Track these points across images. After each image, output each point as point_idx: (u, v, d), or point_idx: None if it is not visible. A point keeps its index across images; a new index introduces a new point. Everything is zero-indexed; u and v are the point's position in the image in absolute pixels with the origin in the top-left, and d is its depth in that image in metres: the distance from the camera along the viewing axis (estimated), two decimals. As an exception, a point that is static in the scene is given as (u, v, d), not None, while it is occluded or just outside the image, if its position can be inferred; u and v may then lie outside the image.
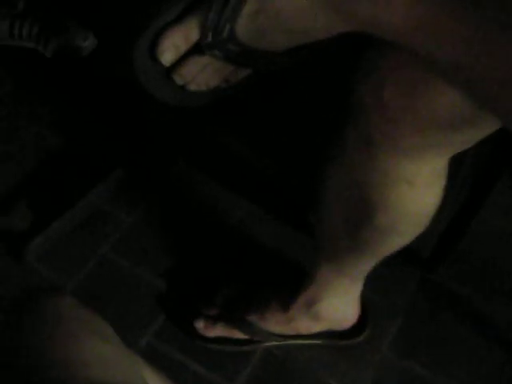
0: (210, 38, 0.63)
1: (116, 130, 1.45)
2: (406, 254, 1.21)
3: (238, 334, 1.21)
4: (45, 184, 1.38)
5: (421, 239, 0.99)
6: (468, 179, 1.28)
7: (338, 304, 1.16)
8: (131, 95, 1.20)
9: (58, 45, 1.20)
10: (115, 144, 1.44)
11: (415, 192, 0.88)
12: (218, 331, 1.21)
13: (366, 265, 1.07)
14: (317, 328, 1.20)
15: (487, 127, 0.79)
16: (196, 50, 0.64)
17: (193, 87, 0.69)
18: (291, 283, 1.19)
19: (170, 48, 0.64)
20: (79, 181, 1.38)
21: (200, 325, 1.21)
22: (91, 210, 1.37)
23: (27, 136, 1.46)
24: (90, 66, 1.32)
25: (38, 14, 1.21)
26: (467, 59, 0.50)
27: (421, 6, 0.51)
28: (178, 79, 0.68)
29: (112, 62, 1.13)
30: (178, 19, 0.64)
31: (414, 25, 0.52)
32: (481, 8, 0.49)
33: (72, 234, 1.34)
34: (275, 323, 1.19)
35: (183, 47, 0.64)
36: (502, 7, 0.48)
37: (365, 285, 1.15)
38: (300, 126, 1.51)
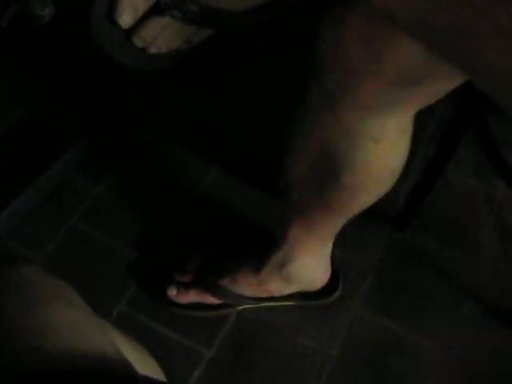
0: None
1: (79, 100, 1.42)
2: (375, 214, 1.25)
3: (211, 299, 1.21)
4: (8, 157, 1.36)
5: (388, 198, 1.00)
6: (435, 135, 1.29)
7: (309, 264, 1.16)
8: (93, 62, 1.18)
9: (14, 13, 1.18)
10: (79, 113, 1.41)
11: (381, 149, 0.88)
12: (191, 297, 1.21)
13: (334, 224, 1.07)
14: (289, 289, 1.21)
15: (451, 81, 0.79)
16: (155, 10, 0.63)
17: (153, 49, 0.68)
18: (262, 246, 1.19)
19: (129, 9, 0.63)
20: (44, 152, 1.36)
21: (173, 292, 1.21)
22: (58, 181, 1.36)
23: (-13, 109, 1.43)
24: (48, 34, 1.30)
25: (-9, -18, 1.19)
26: (425, 9, 0.50)
27: None
28: (138, 41, 0.67)
29: (70, 28, 1.11)
30: None
31: None
32: None
33: (40, 207, 1.32)
34: (247, 286, 1.20)
35: (142, 8, 0.63)
36: None
37: (335, 245, 1.16)
38: (265, 88, 1.50)
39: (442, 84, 0.79)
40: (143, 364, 0.71)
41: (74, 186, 1.37)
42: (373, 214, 1.17)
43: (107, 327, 0.66)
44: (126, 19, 0.64)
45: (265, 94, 1.49)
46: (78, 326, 0.57)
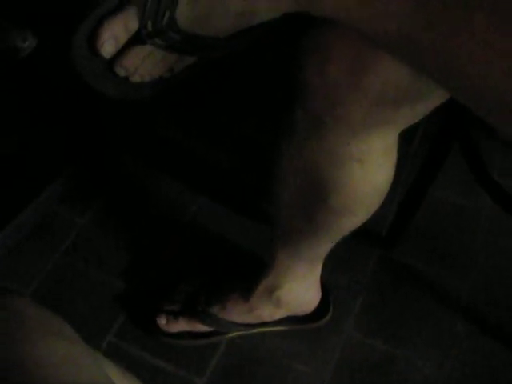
0: (149, 27, 0.61)
1: (62, 132, 1.41)
2: (364, 234, 1.28)
3: (201, 327, 1.20)
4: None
5: (376, 218, 0.99)
6: (419, 153, 1.28)
7: (299, 288, 1.16)
8: (75, 93, 1.18)
9: (-6, 47, 1.17)
10: (62, 145, 1.40)
11: (367, 171, 0.87)
12: (181, 326, 1.20)
13: (322, 247, 1.07)
14: (279, 314, 1.20)
15: (435, 100, 0.79)
16: (137, 39, 0.62)
17: (136, 78, 0.67)
18: (250, 273, 1.18)
19: (110, 39, 0.62)
20: (27, 185, 1.35)
21: (162, 321, 1.20)
22: (42, 214, 1.35)
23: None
24: (29, 67, 1.29)
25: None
26: (413, 31, 0.50)
27: None
28: (121, 71, 0.66)
29: (52, 59, 1.10)
30: (116, 9, 0.61)
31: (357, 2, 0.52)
32: None
33: (25, 241, 1.31)
34: (237, 313, 1.19)
35: (123, 37, 0.62)
36: None
37: (325, 266, 1.15)
38: (250, 113, 1.50)
39: (428, 103, 0.79)
40: None
41: (58, 219, 1.36)
42: (361, 235, 1.14)
43: (99, 358, 0.66)
44: (107, 49, 0.63)
45: (249, 119, 1.49)
46: (71, 359, 0.57)
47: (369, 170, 0.88)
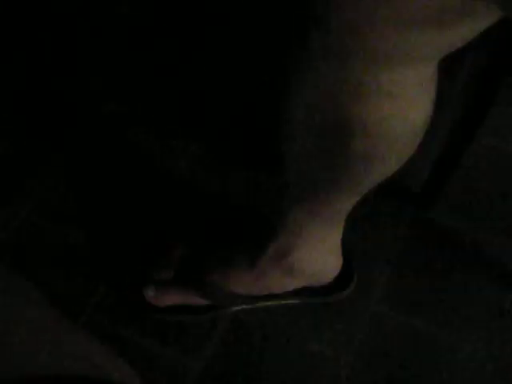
0: None
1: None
2: (395, 190, 1.26)
3: (198, 300, 1.14)
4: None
5: (410, 170, 0.95)
6: (465, 92, 1.21)
7: (315, 253, 1.09)
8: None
9: None
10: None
11: (399, 107, 0.82)
12: (173, 299, 1.14)
13: (344, 203, 1.00)
14: (291, 285, 1.14)
15: (483, 19, 0.71)
16: None
17: None
18: (257, 234, 1.13)
19: None
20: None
21: (150, 293, 1.14)
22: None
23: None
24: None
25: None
26: None
27: None
28: None
29: None
30: None
31: None
32: None
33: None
34: (241, 283, 1.13)
35: None
36: None
37: (346, 229, 1.08)
38: (259, 42, 1.44)
39: (471, 24, 0.72)
40: (117, 370, 0.64)
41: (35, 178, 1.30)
42: (391, 191, 1.17)
43: (75, 329, 0.63)
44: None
45: (258, 49, 1.43)
46: (44, 329, 0.55)
47: (402, 107, 0.82)
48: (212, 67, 1.47)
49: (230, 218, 1.28)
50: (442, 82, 0.83)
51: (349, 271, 1.18)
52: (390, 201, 1.29)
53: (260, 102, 1.39)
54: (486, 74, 1.12)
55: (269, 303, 1.16)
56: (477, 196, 1.34)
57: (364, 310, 1.18)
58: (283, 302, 1.16)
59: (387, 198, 1.27)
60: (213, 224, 1.27)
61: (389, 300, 1.20)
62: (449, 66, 0.82)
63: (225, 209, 1.29)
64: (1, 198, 1.28)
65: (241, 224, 1.26)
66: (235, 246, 1.16)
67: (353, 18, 0.73)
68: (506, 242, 1.28)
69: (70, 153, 1.37)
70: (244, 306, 1.15)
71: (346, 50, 0.76)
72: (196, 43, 1.49)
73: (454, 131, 1.19)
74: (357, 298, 1.19)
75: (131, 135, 1.40)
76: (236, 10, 1.53)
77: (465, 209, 1.31)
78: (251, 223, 1.25)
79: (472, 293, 1.22)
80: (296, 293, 1.15)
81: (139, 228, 1.26)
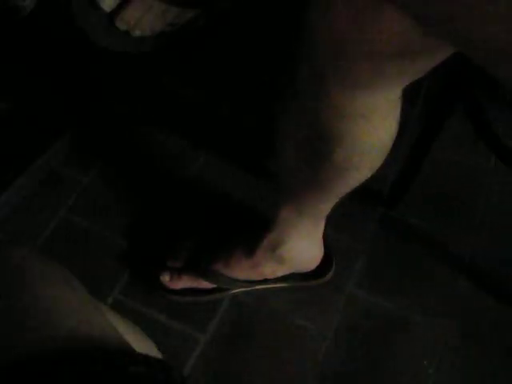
0: None
1: (63, 91, 1.39)
2: (367, 193, 1.30)
3: (205, 284, 1.21)
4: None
5: (380, 177, 0.99)
6: (422, 114, 1.28)
7: (301, 245, 1.16)
8: (77, 51, 1.16)
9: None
10: (64, 105, 1.38)
11: (371, 125, 0.87)
12: (184, 283, 1.21)
13: (326, 204, 1.06)
14: (282, 271, 1.20)
15: (439, 54, 0.77)
16: None
17: (137, 32, 0.67)
18: (254, 229, 1.18)
19: None
20: (31, 144, 1.33)
21: (166, 278, 1.20)
22: (46, 173, 1.35)
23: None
24: (30, 25, 1.27)
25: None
26: None
27: None
28: (122, 25, 0.65)
29: (53, 17, 1.09)
30: None
31: None
32: None
33: (29, 199, 1.31)
34: (241, 270, 1.19)
35: None
36: None
37: (327, 225, 1.15)
38: (253, 66, 1.47)
39: (432, 57, 0.78)
40: (141, 344, 0.70)
41: (62, 178, 1.36)
42: (363, 193, 1.16)
43: (105, 310, 0.66)
44: (108, 2, 0.62)
45: (252, 72, 1.46)
46: (78, 308, 0.57)
47: (373, 125, 0.87)
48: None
49: (232, 215, 1.32)
50: (403, 105, 0.87)
51: (329, 260, 1.24)
52: (363, 202, 1.33)
53: (255, 113, 1.41)
54: (438, 99, 1.17)
55: (263, 286, 1.22)
56: (434, 198, 1.38)
57: (342, 293, 1.25)
58: (274, 285, 1.22)
59: (361, 199, 1.31)
60: (217, 220, 1.31)
61: (363, 285, 1.25)
62: (409, 92, 0.85)
63: (228, 208, 1.34)
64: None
65: (241, 220, 1.31)
66: (236, 239, 1.21)
67: (335, 58, 0.77)
68: (458, 236, 1.33)
69: (93, 149, 1.41)
70: (242, 289, 1.22)
71: (327, 78, 0.80)
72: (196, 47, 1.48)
73: (414, 145, 1.23)
74: (336, 283, 1.25)
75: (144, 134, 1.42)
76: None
77: (424, 208, 1.36)
78: (250, 220, 1.30)
79: (430, 277, 1.27)
80: (285, 278, 1.22)
81: (157, 225, 1.31)
